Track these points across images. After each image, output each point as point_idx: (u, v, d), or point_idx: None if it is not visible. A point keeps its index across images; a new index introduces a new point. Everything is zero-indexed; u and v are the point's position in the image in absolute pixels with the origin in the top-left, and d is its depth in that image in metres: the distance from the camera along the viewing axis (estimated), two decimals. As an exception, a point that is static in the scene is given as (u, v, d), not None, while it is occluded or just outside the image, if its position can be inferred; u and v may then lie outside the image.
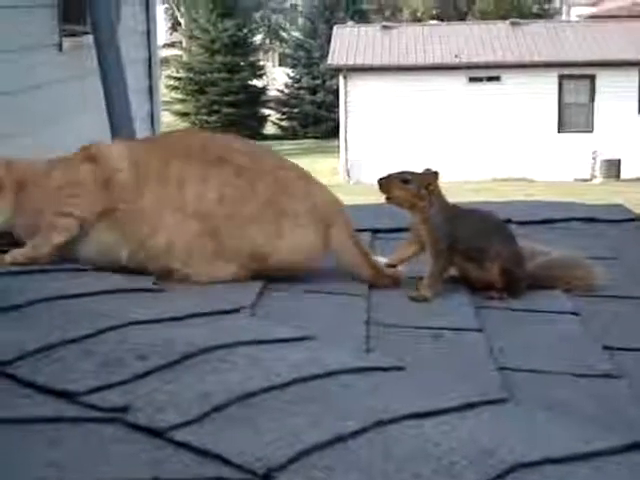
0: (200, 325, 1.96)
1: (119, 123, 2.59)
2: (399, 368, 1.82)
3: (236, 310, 2.10)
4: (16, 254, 2.30)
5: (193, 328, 1.93)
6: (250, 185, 2.36)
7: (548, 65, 24.63)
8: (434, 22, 31.42)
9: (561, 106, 24.91)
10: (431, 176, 2.45)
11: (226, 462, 1.44)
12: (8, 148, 4.11)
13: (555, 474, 1.45)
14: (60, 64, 7.62)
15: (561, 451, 1.51)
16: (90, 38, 8.15)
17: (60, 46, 7.52)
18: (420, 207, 2.41)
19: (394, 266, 2.47)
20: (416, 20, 36.32)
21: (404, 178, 2.43)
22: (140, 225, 2.30)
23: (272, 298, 2.29)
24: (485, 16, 34.99)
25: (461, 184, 23.45)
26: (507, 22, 27.11)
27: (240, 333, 1.92)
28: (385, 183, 2.44)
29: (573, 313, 2.32)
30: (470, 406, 1.68)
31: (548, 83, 24.84)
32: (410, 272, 2.48)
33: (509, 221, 3.09)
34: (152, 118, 9.89)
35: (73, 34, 7.71)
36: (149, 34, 9.92)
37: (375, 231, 2.95)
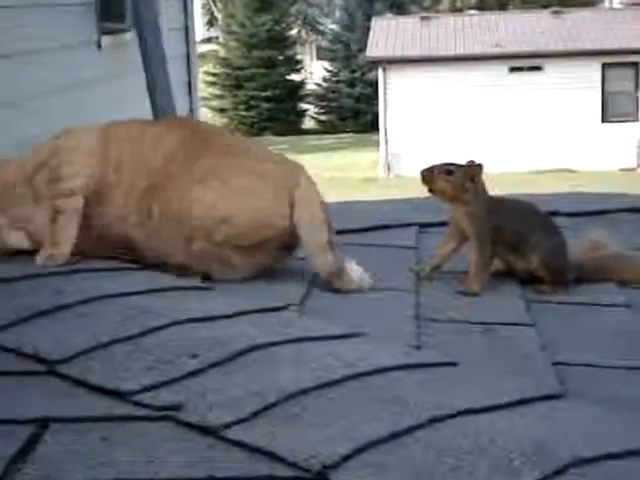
0: (249, 322, 1.96)
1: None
2: (451, 364, 1.80)
3: (284, 307, 2.09)
4: (41, 257, 2.28)
5: (243, 326, 1.93)
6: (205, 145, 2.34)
7: (591, 53, 24.35)
8: (474, 12, 31.19)
9: (605, 95, 24.63)
10: (476, 168, 2.42)
11: (279, 460, 1.43)
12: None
13: (615, 470, 1.43)
14: (99, 62, 7.67)
15: (621, 446, 1.48)
16: (128, 36, 8.21)
17: (99, 44, 7.57)
18: (464, 199, 2.38)
19: (438, 267, 2.44)
20: (456, 10, 36.07)
21: (448, 170, 2.40)
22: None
23: (319, 295, 2.28)
24: (526, 5, 34.69)
25: (503, 175, 23.28)
26: (548, 11, 26.85)
27: (289, 330, 1.92)
28: (428, 175, 2.41)
29: (626, 306, 2.29)
30: (525, 401, 1.65)
31: (591, 72, 24.57)
32: (450, 267, 2.45)
33: (557, 213, 3.05)
34: (192, 114, 9.92)
35: (112, 32, 7.76)
36: (187, 30, 9.95)
37: (422, 225, 2.92)
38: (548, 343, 2.00)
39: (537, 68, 24.98)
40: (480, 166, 2.44)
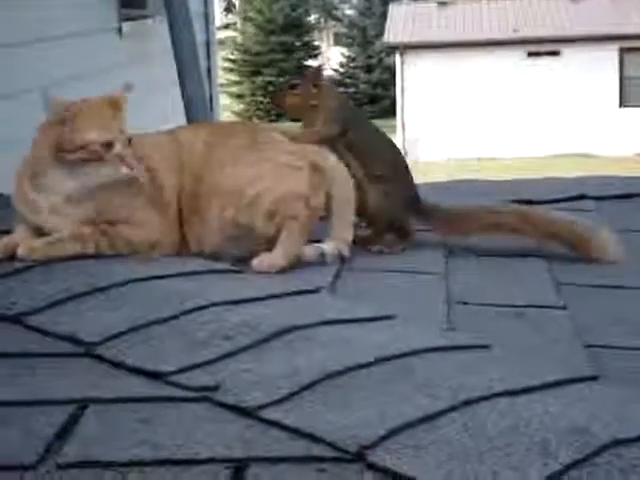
0: (282, 305, 1.97)
1: (195, 105, 2.59)
2: (484, 347, 1.81)
3: (316, 290, 2.10)
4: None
5: (275, 308, 1.94)
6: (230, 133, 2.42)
7: (609, 38, 24.19)
8: (491, -3, 31.04)
9: (622, 80, 24.49)
10: (315, 72, 2.52)
11: (317, 440, 1.44)
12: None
13: (653, 452, 1.43)
14: (120, 48, 7.68)
15: (657, 428, 1.48)
16: (150, 22, 8.22)
17: (120, 31, 7.58)
18: (314, 103, 2.47)
19: None
20: (473, -4, 35.90)
21: (292, 84, 2.52)
22: None
23: (350, 278, 2.29)
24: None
25: (520, 160, 23.22)
26: (566, -5, 26.69)
27: (322, 313, 1.93)
28: (276, 96, 2.57)
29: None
30: (559, 384, 1.66)
31: (609, 57, 24.43)
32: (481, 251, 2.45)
33: (584, 197, 3.05)
34: (211, 100, 9.94)
35: (132, 18, 7.77)
36: (207, 16, 9.95)
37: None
38: (580, 325, 2.01)
39: (555, 53, 24.85)
40: (319, 69, 2.58)
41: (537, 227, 2.48)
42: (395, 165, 2.54)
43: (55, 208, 2.21)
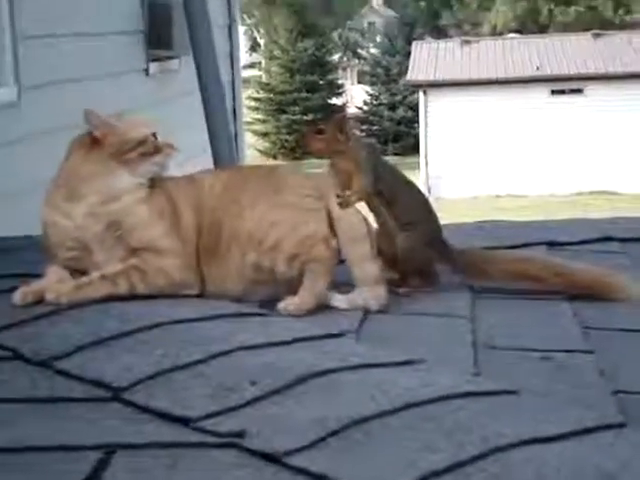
0: (308, 349, 1.97)
1: (221, 144, 2.63)
2: (511, 392, 1.80)
3: (342, 334, 2.10)
4: None
5: (302, 352, 1.94)
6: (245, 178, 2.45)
7: (632, 76, 24.22)
8: (514, 35, 31.17)
9: (646, 117, 24.48)
10: (341, 119, 2.52)
11: (344, 487, 1.44)
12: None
13: (683, 502, 1.42)
14: (147, 89, 7.78)
15: (688, 478, 1.47)
16: (176, 62, 8.32)
17: (147, 71, 7.68)
18: (340, 150, 2.47)
19: None
20: (496, 34, 36.07)
21: (319, 129, 2.52)
22: None
23: (375, 321, 2.29)
24: (567, 28, 34.59)
25: (545, 198, 23.17)
26: (589, 33, 26.76)
27: (348, 357, 1.92)
28: (303, 140, 2.55)
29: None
30: (587, 431, 1.64)
31: (633, 94, 24.42)
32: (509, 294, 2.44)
33: (610, 239, 3.04)
34: (236, 138, 10.02)
35: (159, 59, 7.87)
36: (232, 57, 10.07)
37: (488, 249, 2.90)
38: (607, 370, 1.99)
39: (578, 91, 24.89)
40: (344, 115, 2.63)
41: (560, 277, 2.49)
42: (422, 210, 2.55)
43: (91, 211, 2.25)
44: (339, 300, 2.34)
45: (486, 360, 2.04)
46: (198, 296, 2.31)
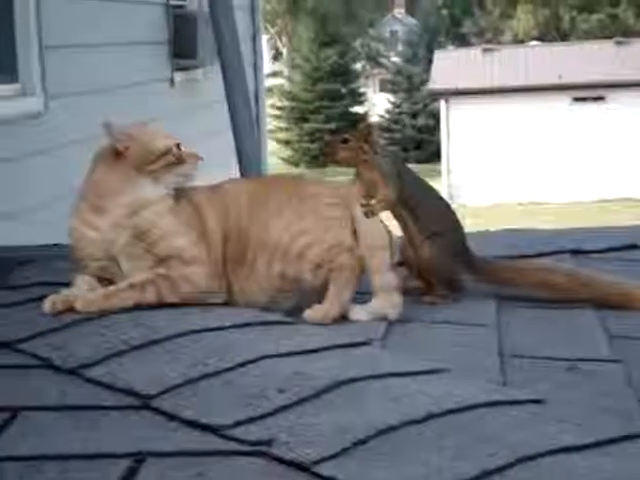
0: (334, 358, 1.98)
1: (247, 152, 2.65)
2: (538, 401, 1.80)
3: (368, 342, 2.11)
4: None
5: (328, 361, 1.95)
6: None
7: (655, 83, 24.10)
8: (536, 43, 31.08)
9: (669, 124, 24.34)
10: (367, 128, 2.53)
11: (372, 497, 1.45)
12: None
13: None
14: (172, 98, 7.82)
15: None
16: (200, 72, 8.36)
17: (172, 81, 7.73)
18: (365, 159, 2.48)
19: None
20: (517, 42, 35.98)
21: (344, 139, 2.51)
22: None
23: (401, 329, 2.29)
24: (588, 36, 34.48)
25: (568, 206, 23.07)
26: (611, 41, 26.64)
27: (375, 366, 1.93)
28: (328, 149, 2.55)
29: None
30: (614, 440, 1.65)
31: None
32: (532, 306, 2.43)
33: (635, 246, 3.03)
34: (259, 147, 10.05)
35: (183, 68, 7.92)
36: (256, 67, 10.11)
37: (498, 258, 2.91)
38: (634, 379, 1.99)
39: (600, 98, 24.79)
40: (369, 125, 2.59)
41: (587, 287, 2.49)
42: (447, 219, 2.56)
43: (117, 222, 2.27)
44: (358, 313, 2.35)
45: (512, 369, 2.04)
46: (225, 304, 2.33)
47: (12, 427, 1.70)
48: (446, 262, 2.50)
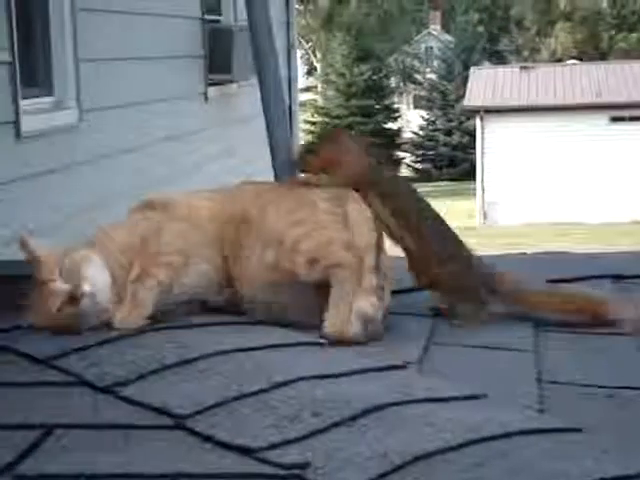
0: (370, 381, 1.96)
1: (283, 166, 2.64)
2: (577, 430, 1.77)
3: (403, 366, 2.09)
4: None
5: (363, 384, 1.93)
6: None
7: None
8: (574, 62, 30.95)
9: None
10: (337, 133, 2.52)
11: (408, 524, 1.42)
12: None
13: None
14: (206, 113, 7.86)
15: None
16: (234, 87, 8.40)
17: (206, 95, 7.76)
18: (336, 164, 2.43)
19: None
20: (555, 60, 35.86)
21: (313, 148, 2.49)
22: None
23: (437, 353, 2.26)
24: (627, 55, 34.27)
25: (603, 226, 22.88)
26: (651, 60, 26.49)
27: (411, 390, 1.91)
28: (300, 163, 2.51)
29: None
30: (656, 472, 1.61)
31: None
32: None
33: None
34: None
35: (218, 83, 7.95)
36: (290, 81, 10.14)
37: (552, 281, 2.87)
38: (676, 410, 1.95)
39: (638, 118, 24.60)
40: (340, 130, 2.54)
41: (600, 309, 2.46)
42: (456, 241, 2.51)
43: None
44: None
45: (550, 396, 2.01)
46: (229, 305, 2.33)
47: (45, 444, 1.69)
48: (465, 283, 2.46)
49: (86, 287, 2.19)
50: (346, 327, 2.25)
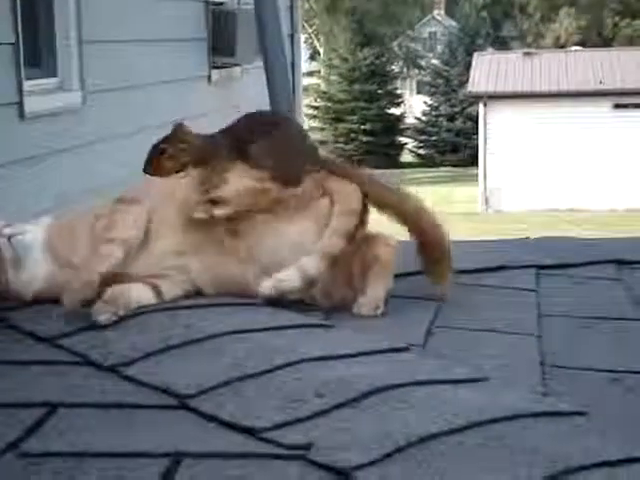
0: (373, 363, 1.96)
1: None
2: (581, 413, 1.77)
3: (408, 348, 2.09)
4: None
5: (367, 366, 1.93)
6: None
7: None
8: (577, 48, 30.86)
9: None
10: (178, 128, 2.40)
11: (412, 505, 1.43)
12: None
13: None
14: (209, 95, 7.84)
15: None
16: (237, 70, 8.38)
17: (209, 78, 7.74)
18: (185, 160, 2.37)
19: None
20: (559, 46, 35.77)
21: (161, 149, 2.40)
22: None
23: (441, 335, 2.27)
24: (631, 42, 34.17)
25: (607, 213, 22.88)
26: (654, 47, 26.40)
27: (415, 372, 1.91)
28: (150, 167, 2.41)
29: None
30: (661, 455, 1.61)
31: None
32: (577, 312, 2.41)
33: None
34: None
35: (221, 66, 7.93)
36: (294, 66, 10.11)
37: (540, 267, 2.88)
38: (680, 394, 1.95)
39: (641, 105, 24.56)
40: (180, 124, 2.42)
41: None
42: None
43: None
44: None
45: (554, 380, 2.01)
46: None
47: (49, 423, 1.69)
48: None
49: (7, 230, 2.19)
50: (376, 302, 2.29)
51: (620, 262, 2.89)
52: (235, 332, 2.04)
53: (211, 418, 1.70)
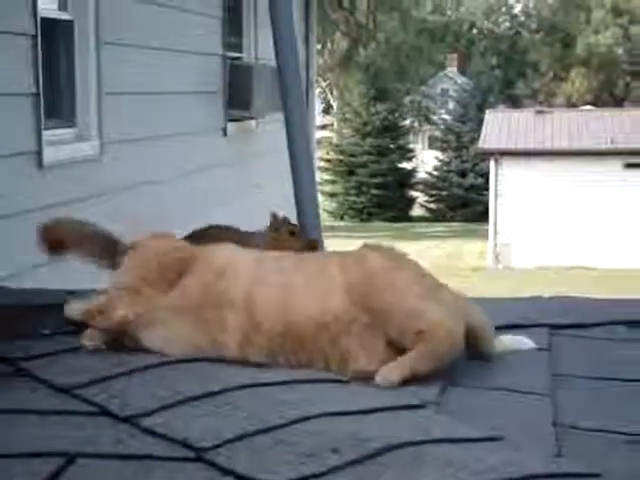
0: (388, 420, 1.97)
1: (307, 203, 2.66)
2: (595, 475, 1.77)
3: (422, 405, 2.10)
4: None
5: (382, 423, 1.94)
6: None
7: None
8: (589, 107, 31.04)
9: None
10: None
11: None
12: (176, 229, 4.26)
13: None
14: (224, 148, 7.92)
15: None
16: (253, 123, 8.46)
17: (225, 130, 7.82)
18: None
19: None
20: (570, 105, 35.98)
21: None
22: None
23: (455, 394, 2.27)
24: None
25: (616, 271, 22.82)
26: (665, 108, 26.53)
27: (429, 430, 1.92)
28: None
29: None
30: (674, 520, 1.61)
31: None
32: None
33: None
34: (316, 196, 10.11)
35: (237, 119, 8.01)
36: (308, 119, 10.21)
37: (553, 327, 2.89)
38: (694, 458, 1.95)
39: (651, 165, 24.64)
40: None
41: None
42: None
43: None
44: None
45: (568, 440, 2.01)
46: None
47: (67, 473, 1.70)
48: None
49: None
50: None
51: (632, 322, 2.90)
52: (251, 386, 2.06)
53: (227, 471, 1.71)
